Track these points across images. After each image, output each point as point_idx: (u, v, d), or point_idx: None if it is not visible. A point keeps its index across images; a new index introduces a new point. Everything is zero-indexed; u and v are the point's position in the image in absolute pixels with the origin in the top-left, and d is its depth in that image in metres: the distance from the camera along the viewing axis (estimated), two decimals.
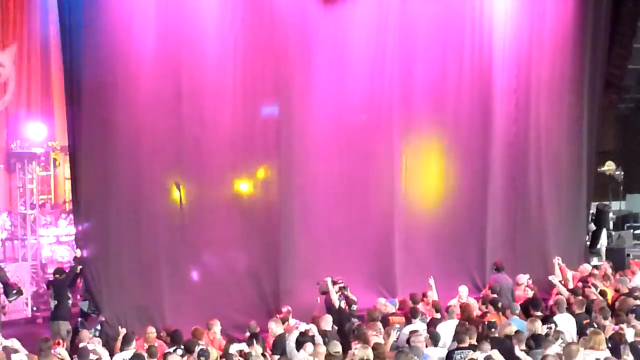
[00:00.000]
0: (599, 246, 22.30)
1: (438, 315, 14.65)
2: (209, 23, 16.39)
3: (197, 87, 16.32)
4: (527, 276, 17.53)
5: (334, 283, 15.66)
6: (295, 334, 13.19)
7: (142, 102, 15.67)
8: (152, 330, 13.84)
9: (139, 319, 14.83)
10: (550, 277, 17.20)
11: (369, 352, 11.52)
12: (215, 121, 16.56)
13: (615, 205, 24.44)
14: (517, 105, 20.11)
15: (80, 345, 13.17)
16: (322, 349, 11.99)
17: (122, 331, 13.86)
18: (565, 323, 13.95)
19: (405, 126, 18.78)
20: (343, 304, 15.46)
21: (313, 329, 13.46)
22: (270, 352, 13.13)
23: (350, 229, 17.94)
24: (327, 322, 13.97)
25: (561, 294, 15.91)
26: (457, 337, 12.54)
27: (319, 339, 13.05)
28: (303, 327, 13.82)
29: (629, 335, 12.70)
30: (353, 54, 18.05)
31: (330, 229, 17.72)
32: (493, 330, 13.09)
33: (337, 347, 12.02)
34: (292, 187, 17.30)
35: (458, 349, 12.30)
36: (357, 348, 11.80)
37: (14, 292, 15.50)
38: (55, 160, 19.89)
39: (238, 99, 16.78)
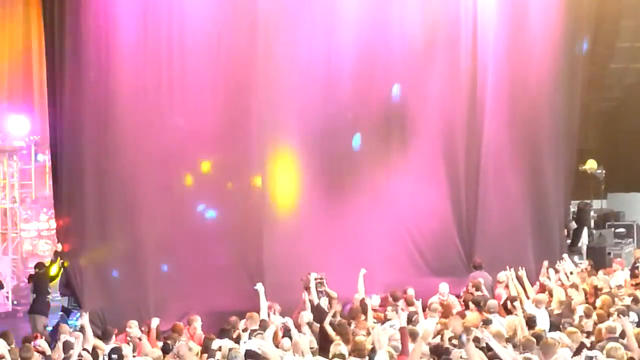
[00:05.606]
0: (579, 244, 22.37)
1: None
2: (191, 17, 16.42)
3: (180, 81, 16.37)
4: (508, 273, 17.51)
5: (315, 278, 15.66)
6: (272, 329, 13.17)
7: (124, 96, 15.69)
8: (133, 325, 13.79)
9: (120, 314, 14.79)
10: (541, 279, 17.28)
11: (342, 348, 11.47)
12: (197, 115, 16.60)
13: (597, 204, 24.48)
14: (498, 103, 20.12)
15: (61, 337, 13.13)
16: (299, 344, 12.00)
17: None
18: (542, 320, 14.03)
19: (388, 125, 18.78)
20: (324, 301, 15.42)
21: (289, 323, 13.37)
22: None
23: (335, 224, 17.93)
24: (306, 318, 13.98)
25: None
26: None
27: (296, 333, 13.03)
28: (279, 320, 13.78)
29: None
30: (334, 48, 18.05)
31: (314, 224, 17.70)
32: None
33: (311, 342, 11.96)
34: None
35: None
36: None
37: None
38: (36, 154, 19.85)
39: (220, 92, 16.80)
